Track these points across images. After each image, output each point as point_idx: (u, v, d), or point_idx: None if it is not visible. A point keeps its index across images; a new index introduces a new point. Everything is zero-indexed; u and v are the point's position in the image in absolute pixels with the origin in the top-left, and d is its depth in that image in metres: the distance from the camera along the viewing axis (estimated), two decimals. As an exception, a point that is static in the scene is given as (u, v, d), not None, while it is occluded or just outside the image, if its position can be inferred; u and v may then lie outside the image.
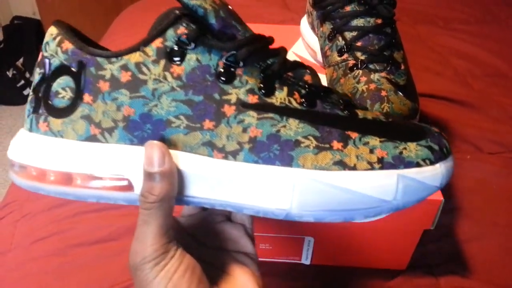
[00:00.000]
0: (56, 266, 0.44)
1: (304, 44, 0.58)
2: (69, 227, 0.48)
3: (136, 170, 0.24)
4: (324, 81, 0.49)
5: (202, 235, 0.29)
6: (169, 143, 0.24)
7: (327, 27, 0.47)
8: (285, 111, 0.23)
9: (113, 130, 0.24)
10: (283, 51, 0.25)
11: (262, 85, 0.24)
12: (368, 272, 0.45)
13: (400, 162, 0.23)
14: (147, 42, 0.23)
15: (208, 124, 0.23)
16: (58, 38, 0.24)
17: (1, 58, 1.69)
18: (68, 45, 0.24)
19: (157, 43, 0.23)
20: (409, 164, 0.23)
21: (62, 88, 0.24)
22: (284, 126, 0.23)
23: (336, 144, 0.23)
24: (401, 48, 0.46)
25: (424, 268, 0.45)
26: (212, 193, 0.24)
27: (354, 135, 0.23)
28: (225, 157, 0.23)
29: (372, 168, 0.23)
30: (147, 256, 0.22)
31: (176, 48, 0.23)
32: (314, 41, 0.55)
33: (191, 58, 0.23)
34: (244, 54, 0.23)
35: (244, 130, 0.23)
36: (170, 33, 0.23)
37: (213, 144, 0.23)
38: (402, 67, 0.44)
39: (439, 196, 0.38)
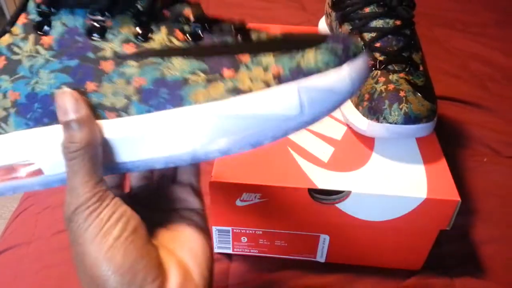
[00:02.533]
0: (76, 257, 0.46)
1: (322, 45, 0.59)
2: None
3: (40, 152, 0.23)
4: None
5: (153, 202, 0.29)
6: None
7: (346, 28, 0.48)
8: (166, 52, 0.22)
9: (7, 118, 0.23)
10: None
11: (137, 31, 0.23)
12: (383, 272, 0.45)
13: (298, 73, 0.21)
14: (12, 21, 0.23)
15: (91, 85, 0.22)
16: None
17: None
18: None
19: (22, 19, 0.23)
20: (308, 73, 0.21)
21: None
22: (168, 68, 0.22)
23: (227, 72, 0.22)
24: (419, 49, 0.46)
25: (439, 269, 0.45)
26: (122, 156, 0.23)
27: (246, 58, 0.22)
28: (118, 115, 0.23)
29: (269, 87, 0.21)
30: (80, 205, 0.22)
31: (40, 18, 0.22)
32: (332, 42, 0.56)
33: (56, 24, 0.22)
34: (106, 4, 0.22)
35: (128, 82, 0.22)
36: (30, 5, 0.23)
37: (102, 105, 0.23)
38: (421, 68, 0.44)
39: (456, 197, 0.38)
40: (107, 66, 0.22)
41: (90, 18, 0.22)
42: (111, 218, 0.22)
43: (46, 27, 0.22)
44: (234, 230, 0.44)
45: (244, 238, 0.45)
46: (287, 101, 0.21)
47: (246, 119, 0.21)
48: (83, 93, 0.23)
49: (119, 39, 0.22)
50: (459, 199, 0.38)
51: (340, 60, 0.21)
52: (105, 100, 0.22)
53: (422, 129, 0.41)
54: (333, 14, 0.52)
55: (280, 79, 0.21)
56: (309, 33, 0.23)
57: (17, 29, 0.23)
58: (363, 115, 0.42)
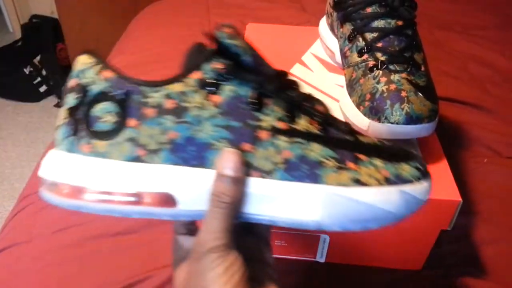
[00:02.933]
0: (76, 256, 0.45)
1: (323, 45, 0.59)
2: (88, 219, 0.49)
3: (181, 188, 0.26)
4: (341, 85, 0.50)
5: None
6: (212, 164, 0.27)
7: (348, 28, 0.48)
8: (308, 136, 0.27)
9: (158, 151, 0.26)
10: (299, 84, 0.30)
11: (287, 113, 0.27)
12: (383, 272, 0.45)
13: (399, 180, 0.27)
14: (186, 74, 0.27)
15: (246, 146, 0.26)
16: (97, 67, 0.27)
17: (19, 56, 1.72)
18: (110, 74, 0.27)
19: (196, 75, 0.27)
20: (406, 181, 0.27)
21: (105, 113, 0.27)
22: (309, 149, 0.27)
23: (350, 164, 0.27)
24: (421, 50, 0.46)
25: (440, 269, 0.45)
26: (253, 208, 0.27)
27: (363, 157, 0.28)
28: (262, 176, 0.26)
29: (380, 185, 0.27)
30: (214, 247, 0.25)
31: (213, 80, 0.27)
32: (332, 43, 0.56)
33: (227, 89, 0.27)
34: (271, 86, 0.27)
35: (278, 152, 0.27)
36: (207, 67, 0.26)
37: (251, 164, 0.26)
38: (422, 68, 0.44)
39: (457, 197, 0.38)
40: (263, 134, 0.27)
41: (256, 93, 0.27)
42: (230, 262, 0.25)
43: (215, 88, 0.27)
44: (235, 230, 0.44)
45: (244, 238, 0.44)
46: (392, 199, 0.27)
47: (364, 206, 0.26)
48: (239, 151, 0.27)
49: (274, 116, 0.27)
50: (460, 199, 0.38)
51: (421, 176, 0.28)
52: (254, 161, 0.27)
53: (424, 129, 0.41)
54: (335, 14, 0.52)
55: (387, 181, 0.27)
56: (398, 147, 0.30)
57: (191, 81, 0.27)
58: (364, 115, 0.42)
